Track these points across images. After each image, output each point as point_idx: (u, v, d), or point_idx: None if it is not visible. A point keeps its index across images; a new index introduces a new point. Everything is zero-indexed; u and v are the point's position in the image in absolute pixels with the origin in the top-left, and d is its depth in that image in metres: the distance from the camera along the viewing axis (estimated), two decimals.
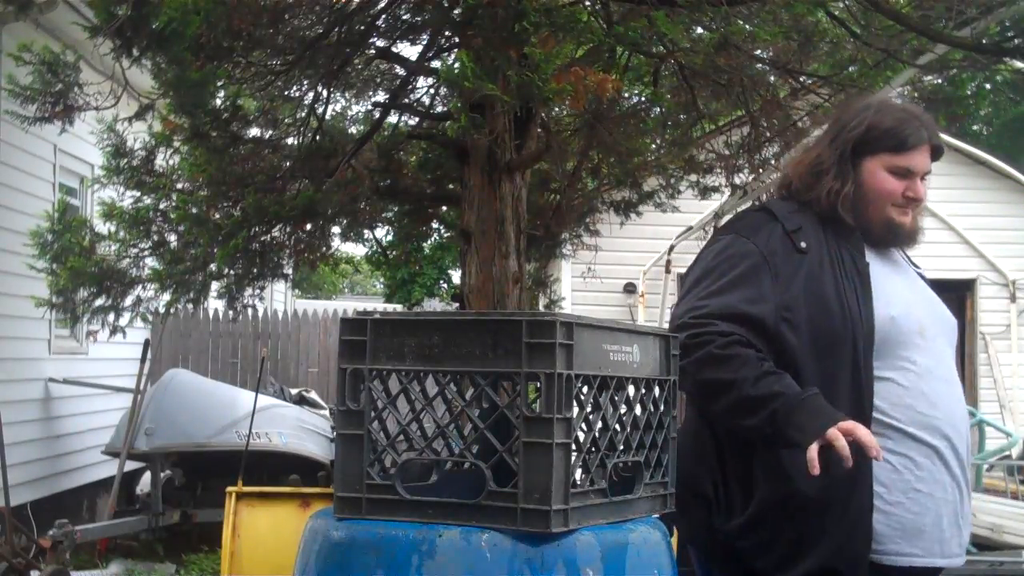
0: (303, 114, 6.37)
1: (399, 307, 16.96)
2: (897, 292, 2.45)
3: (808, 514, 2.28)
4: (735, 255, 2.42)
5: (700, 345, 2.24)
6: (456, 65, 4.73)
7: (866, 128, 2.50)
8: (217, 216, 6.21)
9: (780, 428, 2.18)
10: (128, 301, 6.43)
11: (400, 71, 6.84)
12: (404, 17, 5.97)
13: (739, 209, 7.55)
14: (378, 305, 19.37)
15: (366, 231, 7.45)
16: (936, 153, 2.54)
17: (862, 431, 2.14)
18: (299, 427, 8.42)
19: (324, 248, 6.81)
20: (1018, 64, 6.41)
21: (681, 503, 2.17)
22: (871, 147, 2.49)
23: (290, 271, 7.07)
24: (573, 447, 1.74)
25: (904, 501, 2.30)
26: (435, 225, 8.18)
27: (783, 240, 2.42)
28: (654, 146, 7.19)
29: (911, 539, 2.31)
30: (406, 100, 6.76)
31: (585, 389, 1.80)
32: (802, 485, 2.24)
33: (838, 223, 2.47)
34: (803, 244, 2.42)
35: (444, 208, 7.39)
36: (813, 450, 2.12)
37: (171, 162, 6.40)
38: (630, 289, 11.66)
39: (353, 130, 7.15)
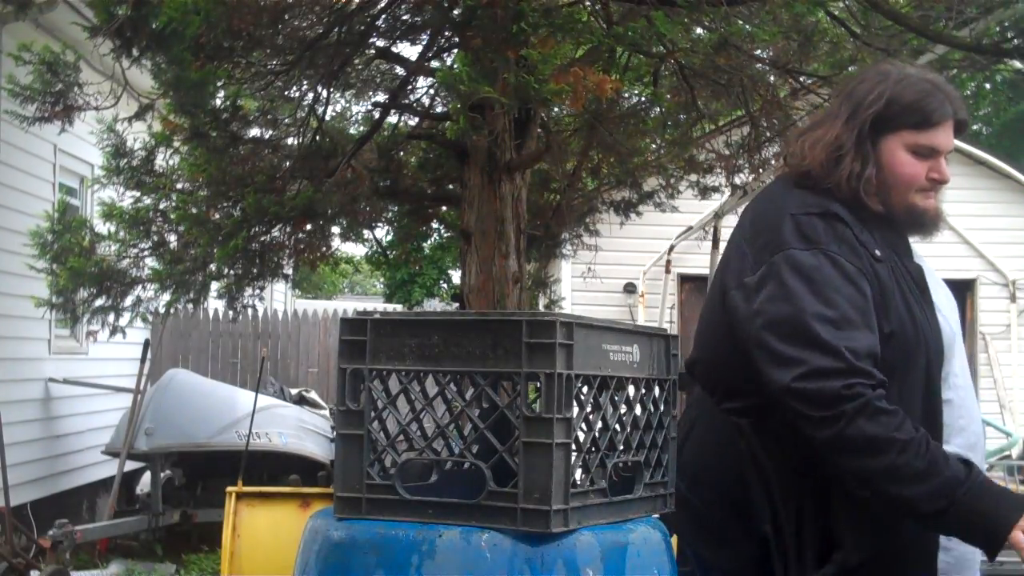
0: (303, 114, 6.37)
1: (399, 307, 16.96)
2: (940, 296, 2.23)
3: (900, 568, 2.10)
4: (847, 277, 2.05)
5: (855, 396, 1.91)
6: (453, 68, 4.73)
7: (885, 102, 2.18)
8: (217, 216, 6.21)
9: (961, 510, 1.91)
10: (128, 301, 6.44)
11: (400, 71, 6.85)
12: (404, 17, 5.98)
13: (738, 209, 7.59)
14: (378, 305, 19.37)
15: (366, 231, 7.45)
16: (960, 128, 2.25)
17: None
18: (299, 427, 8.41)
19: (324, 248, 6.82)
20: (1017, 64, 6.41)
21: (719, 527, 2.04)
22: (891, 124, 2.18)
23: (290, 271, 7.07)
24: (573, 447, 1.74)
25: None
26: (435, 225, 8.19)
27: (861, 250, 2.12)
28: (654, 146, 7.20)
29: (963, 570, 2.19)
30: (406, 100, 6.76)
31: (585, 389, 1.80)
32: (895, 540, 2.06)
33: (879, 219, 2.18)
34: (878, 252, 2.13)
35: (444, 208, 7.40)
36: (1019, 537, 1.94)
37: (171, 162, 6.40)
38: (630, 289, 11.66)
39: (353, 130, 7.16)
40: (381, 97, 7.02)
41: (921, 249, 2.36)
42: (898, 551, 2.09)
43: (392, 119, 7.03)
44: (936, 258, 2.54)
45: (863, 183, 2.17)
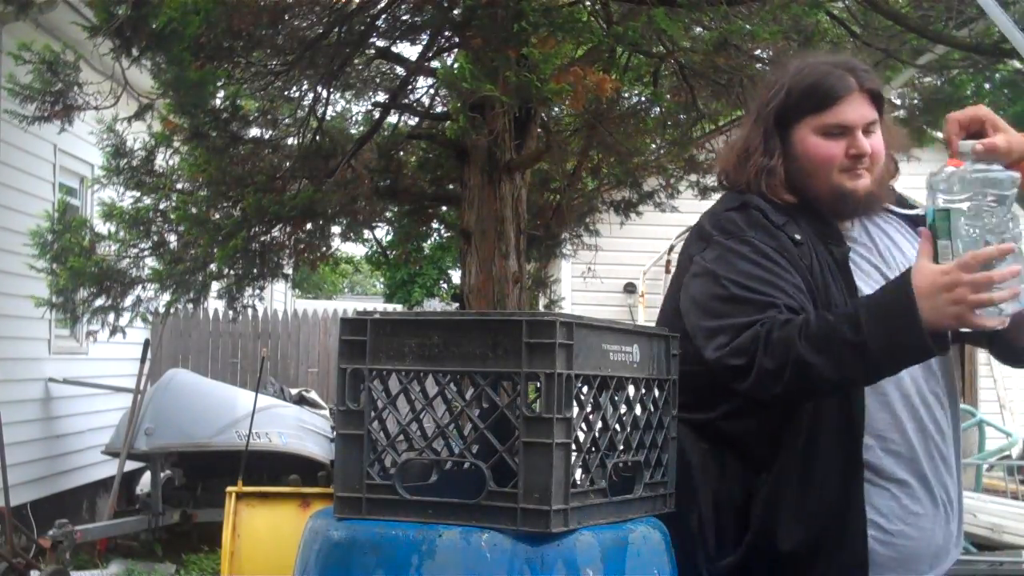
0: (303, 114, 6.37)
1: (399, 307, 16.96)
2: (871, 287, 2.14)
3: (827, 556, 2.08)
4: (765, 256, 2.10)
5: (752, 343, 1.96)
6: (455, 66, 4.73)
7: (785, 94, 2.18)
8: (217, 216, 6.21)
9: (875, 330, 1.87)
10: (128, 301, 6.44)
11: (400, 71, 6.85)
12: (404, 17, 5.98)
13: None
14: (378, 305, 19.38)
15: (366, 231, 7.46)
16: (876, 98, 2.18)
17: None
18: (299, 427, 8.42)
19: (324, 248, 6.82)
20: (1017, 64, 6.41)
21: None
22: (795, 113, 2.17)
23: (290, 271, 7.07)
24: (573, 447, 1.74)
25: (904, 528, 2.11)
26: (435, 225, 8.19)
27: (779, 232, 2.13)
28: (654, 146, 7.20)
29: (907, 564, 2.13)
30: (406, 100, 6.77)
31: (585, 389, 1.80)
32: (786, 537, 2.06)
33: (801, 208, 2.17)
34: (797, 236, 2.13)
35: (444, 208, 7.40)
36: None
37: (171, 162, 6.40)
38: (630, 289, 11.67)
39: (353, 130, 7.16)
40: (381, 97, 7.02)
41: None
42: (827, 539, 2.07)
43: (392, 119, 7.03)
44: None
45: (768, 176, 2.17)
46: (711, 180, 7.29)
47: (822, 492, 2.08)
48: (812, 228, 2.16)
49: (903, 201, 2.32)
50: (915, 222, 2.22)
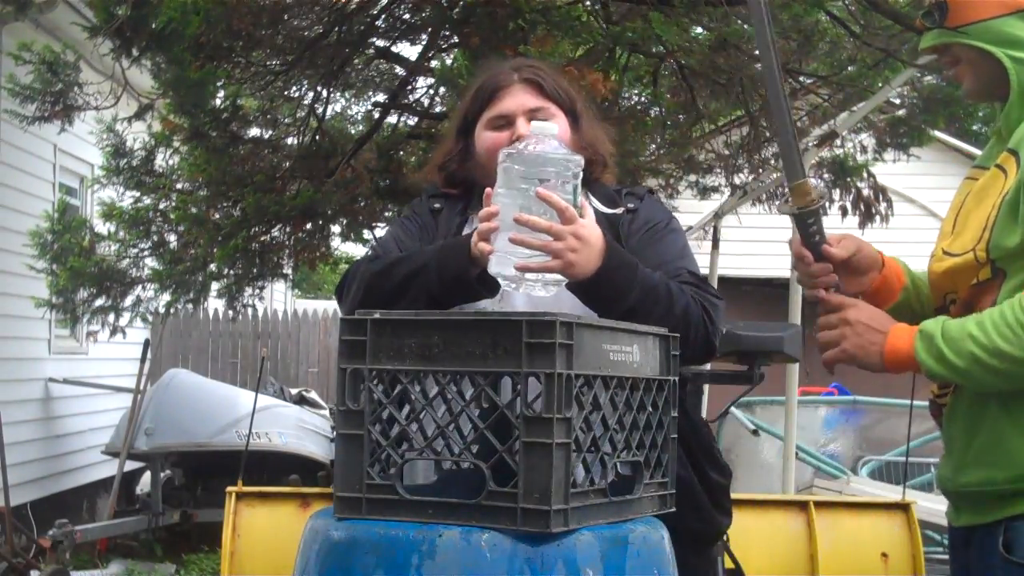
0: (303, 114, 6.37)
1: None
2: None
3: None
4: (400, 224, 2.45)
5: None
6: (453, 65, 4.74)
7: (468, 102, 2.43)
8: (217, 216, 6.21)
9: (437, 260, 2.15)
10: (128, 301, 6.44)
11: (400, 71, 6.85)
12: (404, 17, 5.98)
13: (738, 210, 7.60)
14: None
15: (366, 231, 7.45)
16: (536, 86, 2.36)
17: None
18: (299, 427, 8.42)
19: (324, 248, 6.82)
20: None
21: None
22: (472, 116, 2.40)
23: (290, 271, 7.07)
24: (573, 447, 1.74)
25: None
26: None
27: (424, 210, 2.44)
28: (653, 146, 7.20)
29: None
30: (406, 100, 6.76)
31: (585, 389, 1.80)
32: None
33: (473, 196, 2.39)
34: (437, 205, 2.42)
35: None
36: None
37: (171, 162, 6.41)
38: None
39: (353, 130, 7.16)
40: (381, 97, 7.02)
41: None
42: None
43: (392, 119, 7.03)
44: None
45: (441, 166, 2.44)
46: (711, 180, 7.30)
47: None
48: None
49: (613, 200, 2.41)
50: (611, 221, 2.34)
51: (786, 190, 2.24)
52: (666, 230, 2.38)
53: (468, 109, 2.42)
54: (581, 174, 2.05)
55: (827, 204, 2.31)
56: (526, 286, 2.06)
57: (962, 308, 2.11)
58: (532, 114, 2.32)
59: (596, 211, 2.33)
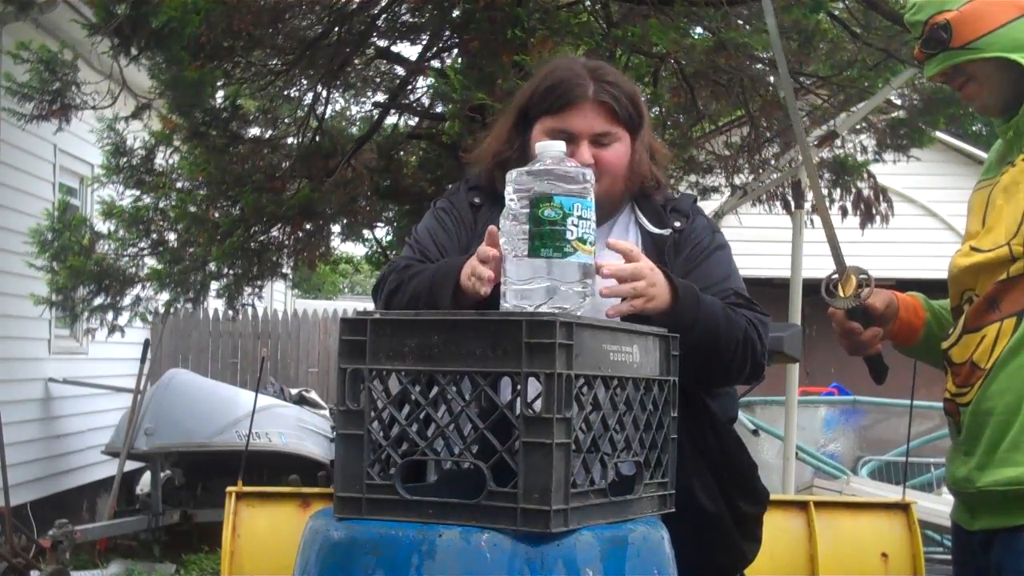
0: (303, 114, 6.37)
1: None
2: None
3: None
4: (433, 215, 2.37)
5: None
6: (447, 77, 4.74)
7: (530, 94, 2.27)
8: (216, 215, 6.21)
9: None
10: (127, 300, 6.44)
11: (400, 71, 6.85)
12: (404, 17, 5.98)
13: (738, 210, 7.60)
14: None
15: (366, 231, 7.45)
16: (610, 112, 2.22)
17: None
18: (299, 427, 8.42)
19: (323, 248, 6.82)
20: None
21: None
22: (534, 111, 2.25)
23: (289, 271, 7.07)
24: (573, 447, 1.74)
25: None
26: None
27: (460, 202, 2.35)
28: None
29: None
30: (406, 100, 6.76)
31: (585, 389, 1.80)
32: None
33: None
34: (477, 200, 2.32)
35: None
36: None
37: (170, 161, 6.40)
38: None
39: (353, 130, 7.16)
40: (381, 97, 7.02)
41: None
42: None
43: (392, 119, 7.03)
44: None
45: (495, 161, 2.28)
46: (711, 180, 7.29)
47: None
48: None
49: (660, 217, 2.33)
50: (656, 241, 2.29)
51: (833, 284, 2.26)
52: (712, 248, 2.32)
53: (531, 105, 2.27)
54: (592, 180, 1.94)
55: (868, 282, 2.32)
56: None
57: (983, 305, 2.09)
58: (598, 138, 2.22)
59: (643, 229, 2.30)
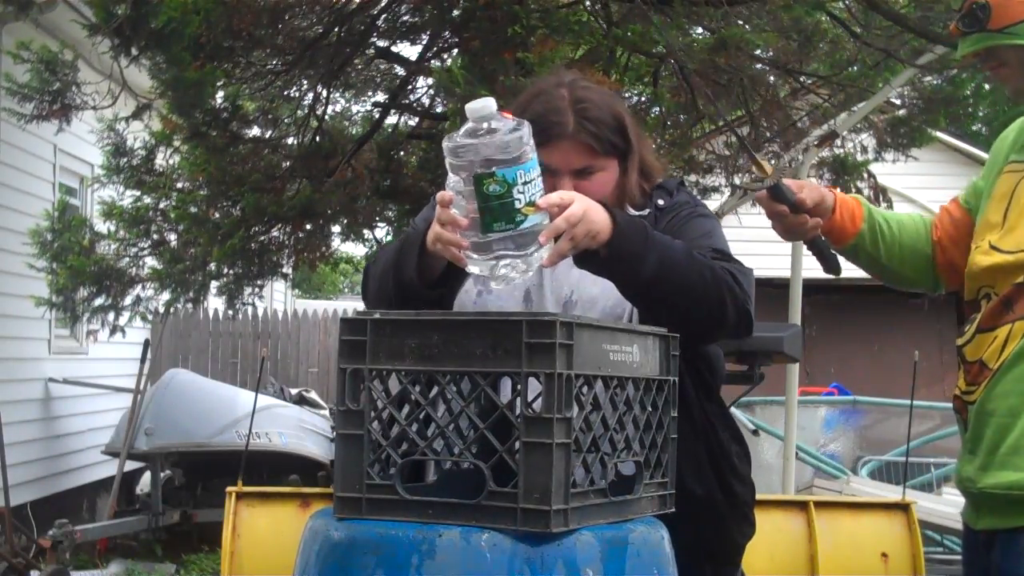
0: (303, 114, 6.37)
1: None
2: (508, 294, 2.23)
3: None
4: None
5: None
6: (450, 71, 4.74)
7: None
8: (216, 215, 6.21)
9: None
10: (127, 300, 6.44)
11: (400, 71, 6.85)
12: (404, 17, 5.98)
13: (738, 210, 7.60)
14: None
15: (366, 231, 7.45)
16: (588, 146, 2.14)
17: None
18: (299, 427, 8.42)
19: (324, 248, 6.82)
20: None
21: None
22: None
23: (289, 271, 7.07)
24: (573, 447, 1.74)
25: None
26: None
27: None
28: (653, 146, 7.19)
29: None
30: (406, 100, 6.77)
31: (585, 389, 1.80)
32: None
33: None
34: None
35: None
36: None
37: (171, 161, 6.41)
38: None
39: (353, 130, 7.16)
40: (381, 97, 7.02)
41: None
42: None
43: (392, 119, 7.03)
44: None
45: None
46: (711, 180, 7.29)
47: None
48: None
49: (645, 203, 2.30)
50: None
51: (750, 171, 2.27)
52: (691, 215, 2.26)
53: None
54: (529, 137, 1.88)
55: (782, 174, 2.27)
56: (498, 278, 1.96)
57: (999, 306, 2.07)
58: (579, 172, 2.14)
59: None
